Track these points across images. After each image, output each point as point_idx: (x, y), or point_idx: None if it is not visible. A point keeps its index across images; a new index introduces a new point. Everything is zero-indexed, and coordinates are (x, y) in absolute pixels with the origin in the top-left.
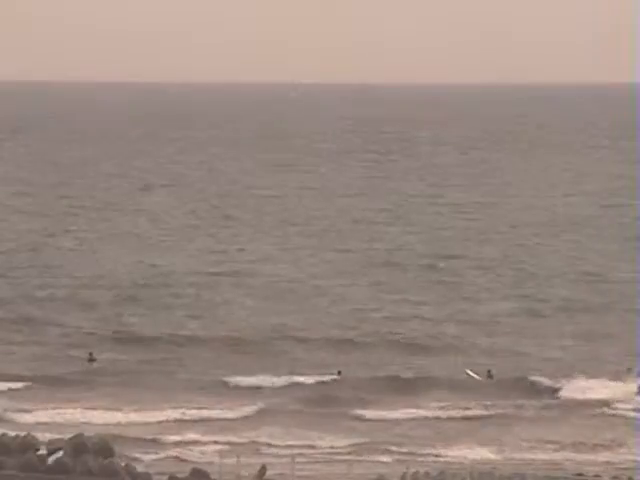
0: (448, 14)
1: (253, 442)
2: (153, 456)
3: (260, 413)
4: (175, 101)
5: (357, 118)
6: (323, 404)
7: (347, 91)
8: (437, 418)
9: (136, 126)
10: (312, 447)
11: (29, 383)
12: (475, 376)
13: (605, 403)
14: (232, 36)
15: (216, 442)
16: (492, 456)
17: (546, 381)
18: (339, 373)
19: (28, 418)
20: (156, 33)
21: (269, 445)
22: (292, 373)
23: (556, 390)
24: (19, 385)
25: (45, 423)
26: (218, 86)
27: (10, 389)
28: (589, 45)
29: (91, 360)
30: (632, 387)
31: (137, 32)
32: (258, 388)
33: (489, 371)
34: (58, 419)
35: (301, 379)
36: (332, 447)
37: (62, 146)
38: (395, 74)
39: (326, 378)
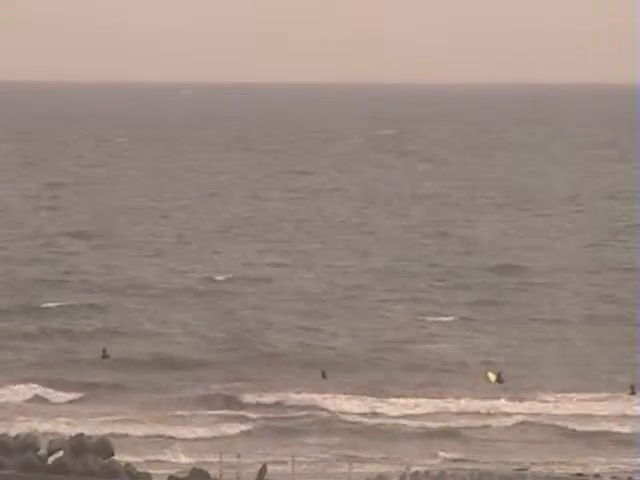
0: (448, 14)
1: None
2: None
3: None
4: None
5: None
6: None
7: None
8: None
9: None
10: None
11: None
12: (491, 379)
13: None
14: (232, 37)
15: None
16: (491, 456)
17: None
18: (324, 375)
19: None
20: (157, 33)
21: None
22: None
23: None
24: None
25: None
26: (220, 86)
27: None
28: (590, 45)
29: (104, 357)
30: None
31: (137, 32)
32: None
33: (499, 374)
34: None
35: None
36: None
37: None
38: (397, 73)
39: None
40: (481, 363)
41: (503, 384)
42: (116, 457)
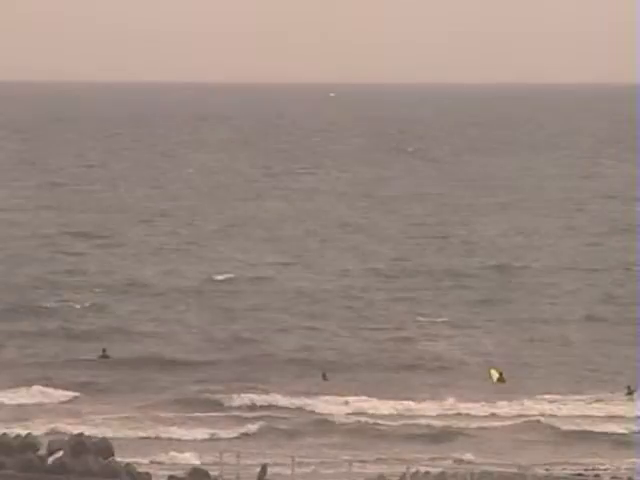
0: (448, 14)
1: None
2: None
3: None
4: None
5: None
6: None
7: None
8: None
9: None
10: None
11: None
12: (493, 377)
13: None
14: (232, 37)
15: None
16: (491, 457)
17: None
18: (324, 375)
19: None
20: (157, 33)
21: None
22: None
23: None
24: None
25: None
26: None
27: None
28: (590, 45)
29: (104, 357)
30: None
31: (137, 32)
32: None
33: (501, 374)
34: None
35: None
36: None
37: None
38: (397, 73)
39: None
40: (481, 363)
41: (503, 384)
42: (116, 457)
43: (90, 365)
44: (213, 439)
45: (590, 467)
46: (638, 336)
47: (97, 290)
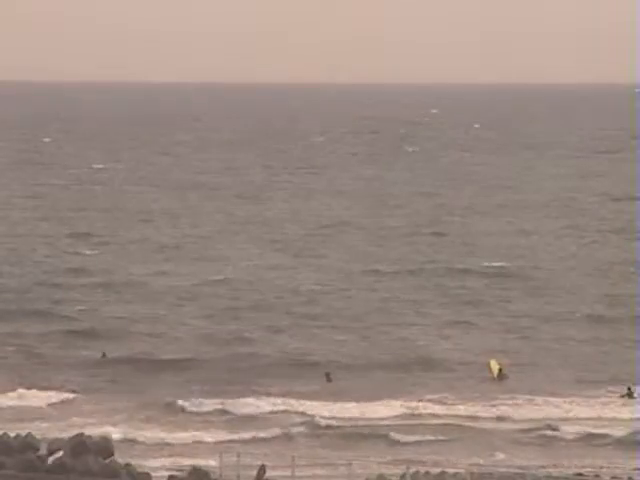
0: (448, 14)
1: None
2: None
3: None
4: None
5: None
6: None
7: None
8: None
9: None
10: None
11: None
12: (493, 372)
13: None
14: (232, 37)
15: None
16: (491, 457)
17: None
18: (327, 375)
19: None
20: (157, 33)
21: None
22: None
23: None
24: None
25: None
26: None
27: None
28: (591, 45)
29: (103, 358)
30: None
31: (137, 32)
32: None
33: (500, 370)
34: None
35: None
36: None
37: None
38: (397, 73)
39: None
40: (481, 363)
41: (504, 381)
42: (116, 457)
43: (90, 365)
44: (213, 439)
45: (590, 467)
46: (638, 336)
47: (97, 290)
